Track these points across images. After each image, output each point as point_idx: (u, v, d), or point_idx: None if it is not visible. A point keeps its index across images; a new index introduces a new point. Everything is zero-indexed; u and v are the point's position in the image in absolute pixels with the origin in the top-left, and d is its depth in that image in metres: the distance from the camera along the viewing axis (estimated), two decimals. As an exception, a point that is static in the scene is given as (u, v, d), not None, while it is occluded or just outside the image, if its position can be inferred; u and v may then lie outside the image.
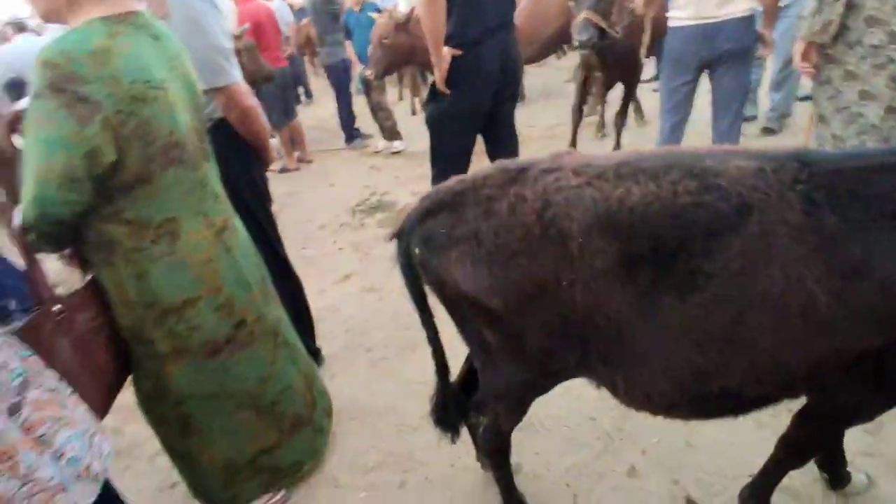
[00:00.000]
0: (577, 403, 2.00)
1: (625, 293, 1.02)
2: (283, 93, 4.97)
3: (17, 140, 1.33)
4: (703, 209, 0.98)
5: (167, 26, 1.45)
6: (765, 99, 4.52)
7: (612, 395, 1.20)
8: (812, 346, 0.99)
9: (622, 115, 4.22)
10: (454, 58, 2.38)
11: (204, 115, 1.57)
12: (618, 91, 4.25)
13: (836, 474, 1.57)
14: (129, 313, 1.38)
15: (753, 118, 4.58)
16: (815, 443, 1.30)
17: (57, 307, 1.27)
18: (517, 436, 1.52)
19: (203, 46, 1.68)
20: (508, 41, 2.51)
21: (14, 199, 2.77)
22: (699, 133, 3.38)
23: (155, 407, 1.53)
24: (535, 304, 1.07)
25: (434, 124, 2.62)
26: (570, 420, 1.96)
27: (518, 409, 1.40)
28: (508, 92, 2.63)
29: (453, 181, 1.17)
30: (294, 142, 5.43)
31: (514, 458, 1.59)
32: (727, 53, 2.69)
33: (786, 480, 1.43)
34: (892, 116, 2.15)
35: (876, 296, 0.95)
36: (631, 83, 4.10)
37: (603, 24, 3.31)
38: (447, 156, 2.65)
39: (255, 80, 3.61)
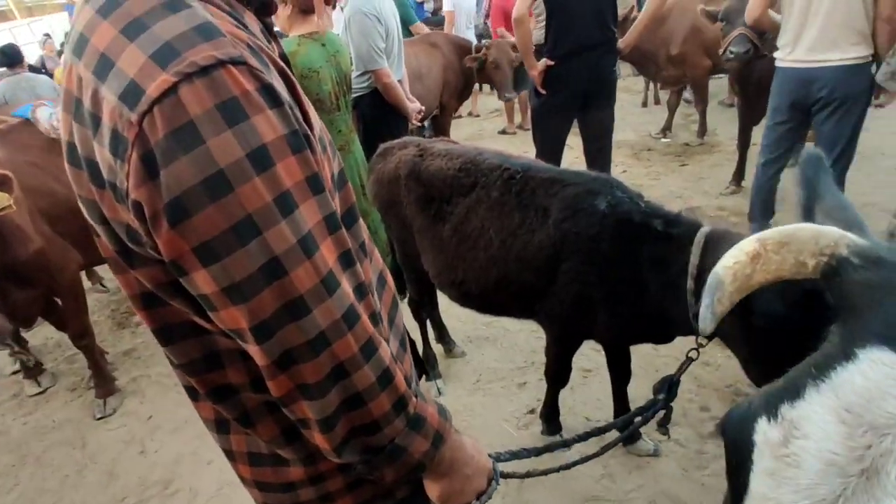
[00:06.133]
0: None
1: (422, 216, 1.92)
2: (517, 70, 6.07)
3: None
4: (457, 180, 1.80)
5: (343, 34, 2.79)
6: None
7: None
8: (490, 271, 1.74)
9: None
10: (548, 66, 3.10)
11: (365, 85, 2.93)
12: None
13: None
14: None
15: None
16: (551, 360, 1.93)
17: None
18: None
19: (365, 45, 2.97)
20: (602, 59, 3.07)
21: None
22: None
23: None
24: (391, 213, 2.06)
25: (533, 116, 3.41)
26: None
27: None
28: (598, 102, 3.19)
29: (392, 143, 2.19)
30: (518, 111, 6.55)
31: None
32: (824, 101, 2.63)
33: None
34: None
35: (522, 249, 1.65)
36: None
37: (756, 41, 3.35)
38: (541, 140, 3.42)
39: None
